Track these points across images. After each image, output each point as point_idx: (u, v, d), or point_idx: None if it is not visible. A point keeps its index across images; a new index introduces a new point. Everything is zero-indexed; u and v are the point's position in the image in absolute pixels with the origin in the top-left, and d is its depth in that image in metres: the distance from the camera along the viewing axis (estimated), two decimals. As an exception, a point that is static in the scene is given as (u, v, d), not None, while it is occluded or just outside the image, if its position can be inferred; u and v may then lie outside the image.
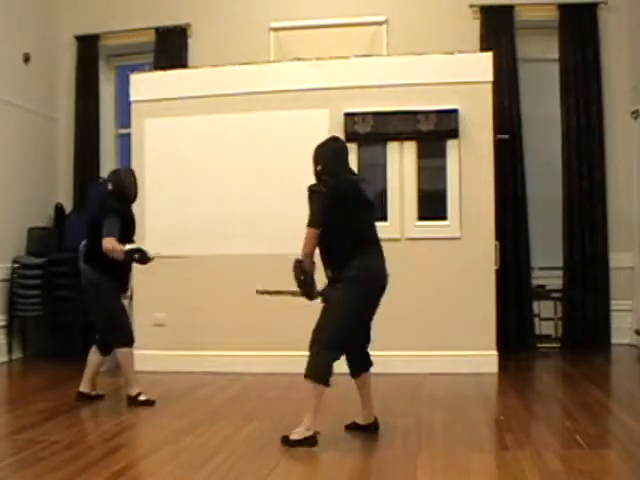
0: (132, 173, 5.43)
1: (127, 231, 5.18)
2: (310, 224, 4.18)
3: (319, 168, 4.35)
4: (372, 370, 4.38)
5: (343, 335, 4.12)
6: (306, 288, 4.25)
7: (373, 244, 4.28)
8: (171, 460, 3.94)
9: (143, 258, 5.11)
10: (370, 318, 4.27)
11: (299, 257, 4.20)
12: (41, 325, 7.50)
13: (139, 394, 5.22)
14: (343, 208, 4.19)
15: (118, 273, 5.19)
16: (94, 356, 5.32)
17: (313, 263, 4.22)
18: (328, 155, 4.38)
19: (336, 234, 4.18)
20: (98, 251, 5.02)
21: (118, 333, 5.23)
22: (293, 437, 4.08)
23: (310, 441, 4.06)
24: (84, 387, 5.32)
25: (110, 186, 5.30)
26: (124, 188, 5.28)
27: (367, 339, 4.35)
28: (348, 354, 4.28)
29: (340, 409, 4.66)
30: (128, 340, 5.25)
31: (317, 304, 4.25)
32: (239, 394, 5.61)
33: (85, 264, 5.24)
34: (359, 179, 4.48)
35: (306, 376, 4.08)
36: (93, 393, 5.36)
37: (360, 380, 4.35)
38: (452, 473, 3.64)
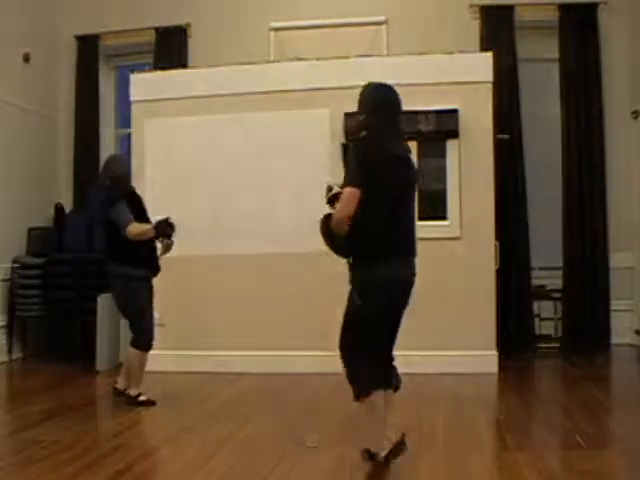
0: (123, 161, 5.46)
1: (140, 215, 5.17)
2: (348, 183, 3.41)
3: (361, 119, 3.61)
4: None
5: (365, 341, 3.56)
6: (334, 247, 3.56)
7: (401, 248, 3.57)
8: (171, 460, 3.95)
9: (171, 228, 5.04)
10: (391, 329, 3.70)
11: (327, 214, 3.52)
12: (41, 325, 7.49)
13: (139, 394, 5.21)
14: (370, 194, 3.41)
15: (145, 259, 5.18)
16: (132, 355, 5.24)
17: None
18: (373, 106, 3.60)
19: (357, 225, 3.45)
20: (119, 246, 5.06)
21: (137, 334, 5.23)
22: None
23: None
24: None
25: (107, 181, 5.26)
26: (122, 182, 5.22)
27: (390, 350, 3.76)
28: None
29: (339, 409, 4.66)
30: (145, 344, 5.22)
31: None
32: (239, 394, 5.61)
33: (110, 262, 5.21)
34: (406, 152, 3.65)
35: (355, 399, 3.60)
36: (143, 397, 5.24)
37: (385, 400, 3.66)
38: (452, 473, 3.64)
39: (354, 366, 3.59)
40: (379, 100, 3.63)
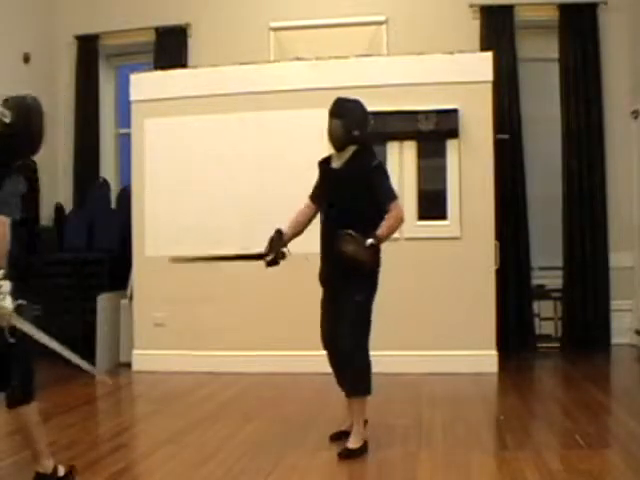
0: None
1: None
2: (395, 196, 3.97)
3: (356, 134, 3.97)
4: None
5: (367, 337, 4.06)
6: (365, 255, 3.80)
7: None
8: (171, 460, 3.95)
9: None
10: None
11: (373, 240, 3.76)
12: (41, 325, 7.46)
13: (56, 469, 3.45)
14: None
15: None
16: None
17: None
18: (365, 123, 4.02)
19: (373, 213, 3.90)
20: None
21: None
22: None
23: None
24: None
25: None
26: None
27: None
28: None
29: (339, 409, 4.66)
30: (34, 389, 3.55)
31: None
32: (239, 394, 5.61)
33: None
34: None
35: None
36: None
37: None
38: (452, 473, 3.64)
39: (365, 364, 3.92)
40: (367, 117, 4.03)
